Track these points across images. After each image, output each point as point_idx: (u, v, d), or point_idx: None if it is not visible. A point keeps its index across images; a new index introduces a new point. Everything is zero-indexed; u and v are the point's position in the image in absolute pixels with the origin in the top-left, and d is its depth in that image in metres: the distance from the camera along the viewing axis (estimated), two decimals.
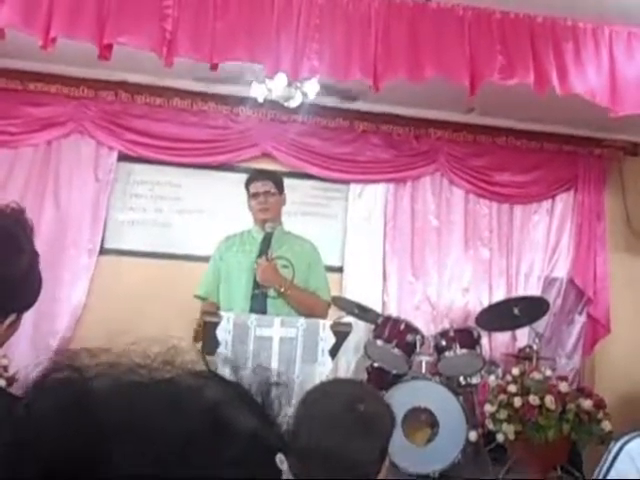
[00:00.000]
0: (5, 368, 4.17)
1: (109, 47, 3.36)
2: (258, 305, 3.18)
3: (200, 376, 0.59)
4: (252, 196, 3.42)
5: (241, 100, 5.22)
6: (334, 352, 2.91)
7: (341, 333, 2.93)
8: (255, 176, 3.51)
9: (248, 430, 0.54)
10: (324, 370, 2.83)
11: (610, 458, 1.33)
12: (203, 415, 0.54)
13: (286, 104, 4.79)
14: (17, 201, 1.29)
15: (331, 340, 2.86)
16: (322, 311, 3.31)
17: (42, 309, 4.79)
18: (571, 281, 5.75)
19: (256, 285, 3.21)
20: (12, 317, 1.24)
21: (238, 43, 3.40)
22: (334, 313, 4.78)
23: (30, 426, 0.51)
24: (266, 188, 3.39)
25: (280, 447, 0.56)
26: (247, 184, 3.48)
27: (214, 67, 3.45)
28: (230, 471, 0.52)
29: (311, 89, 4.58)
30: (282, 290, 3.19)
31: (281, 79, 4.34)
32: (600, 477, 1.30)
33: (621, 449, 1.29)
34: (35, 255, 1.27)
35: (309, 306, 3.25)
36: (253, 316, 2.91)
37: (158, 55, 3.37)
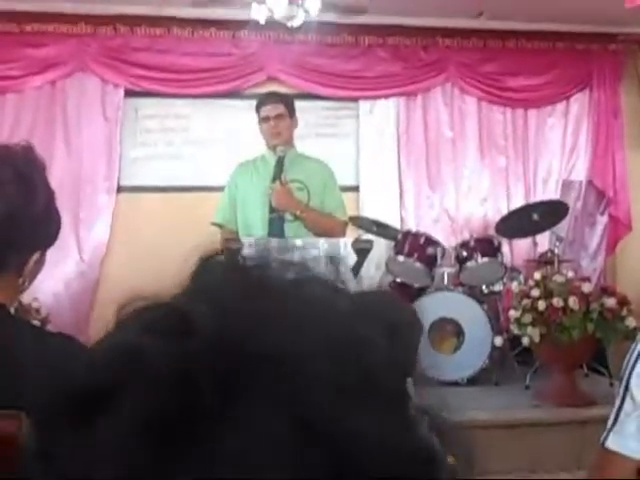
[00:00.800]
0: (37, 310, 4.27)
1: None
2: (276, 229, 3.20)
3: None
4: (263, 120, 3.39)
5: (242, 24, 5.09)
6: (357, 270, 2.95)
7: (362, 250, 2.96)
8: (265, 99, 3.46)
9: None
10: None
11: (635, 354, 1.34)
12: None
13: (288, 24, 4.67)
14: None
15: (353, 258, 2.89)
16: (340, 231, 3.33)
17: (66, 249, 4.87)
18: (590, 182, 5.69)
19: (272, 209, 3.22)
20: (37, 255, 1.26)
21: None
22: (353, 232, 4.81)
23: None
24: (277, 111, 3.35)
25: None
26: (257, 108, 3.44)
27: None
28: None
29: (313, 5, 4.45)
30: (298, 213, 3.20)
31: None
32: (629, 367, 1.33)
33: None
34: (50, 191, 1.28)
35: (326, 227, 3.27)
36: (274, 240, 2.94)
37: None
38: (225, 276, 0.46)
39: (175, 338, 0.39)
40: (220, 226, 3.45)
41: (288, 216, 3.22)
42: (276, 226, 3.22)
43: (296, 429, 0.37)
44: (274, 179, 3.26)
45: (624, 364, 1.35)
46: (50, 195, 1.27)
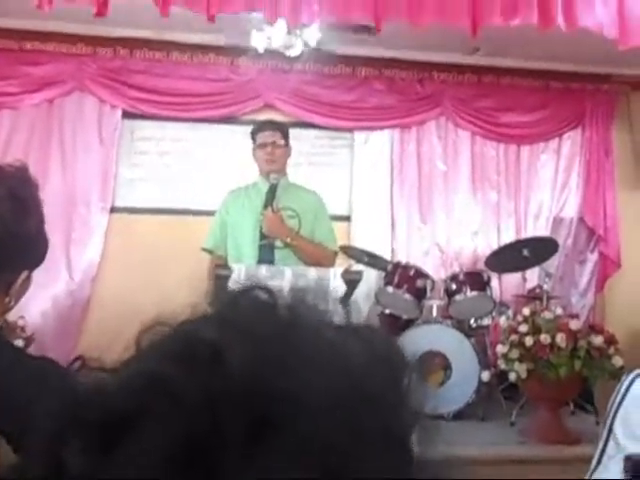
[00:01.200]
0: (22, 329, 4.24)
1: (105, 3, 3.29)
2: (266, 256, 3.20)
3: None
4: (259, 146, 3.40)
5: (241, 51, 5.14)
6: (345, 300, 2.94)
7: (352, 281, 2.96)
8: (262, 126, 3.49)
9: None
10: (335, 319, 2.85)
11: (622, 391, 1.35)
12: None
13: (287, 53, 4.72)
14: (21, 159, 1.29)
15: (342, 288, 2.88)
16: (329, 260, 3.34)
17: (56, 269, 4.85)
18: (581, 220, 5.74)
19: (263, 236, 3.23)
20: (24, 274, 1.26)
21: None
22: (344, 262, 4.81)
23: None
24: (274, 139, 3.37)
25: None
26: (254, 134, 3.46)
27: (211, 19, 3.39)
28: None
29: (311, 36, 4.51)
30: (288, 241, 3.21)
31: (281, 27, 4.27)
32: (613, 409, 1.32)
33: (633, 382, 1.31)
34: (41, 212, 1.28)
35: (316, 256, 3.27)
36: (264, 267, 2.94)
37: (154, 3, 3.29)
38: (256, 313, 0.46)
39: (203, 369, 0.39)
40: (210, 252, 3.45)
41: (278, 243, 3.23)
42: (266, 253, 3.22)
43: (319, 475, 0.37)
44: (266, 206, 3.27)
45: (608, 406, 1.35)
46: (41, 216, 1.27)
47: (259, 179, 3.48)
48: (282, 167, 3.41)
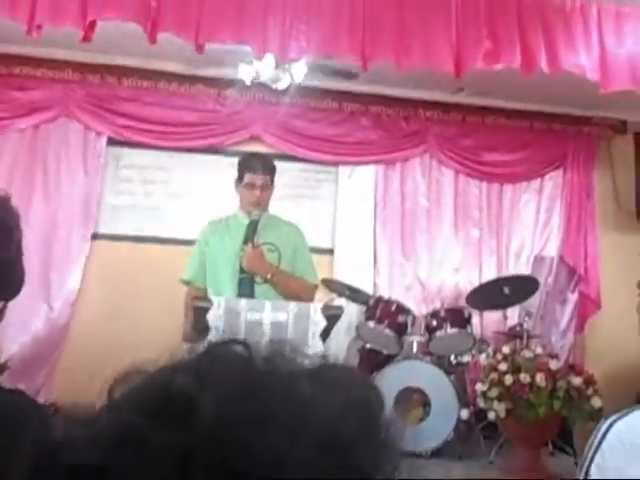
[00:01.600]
0: None
1: (92, 26, 3.30)
2: (246, 289, 3.17)
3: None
4: (246, 185, 3.33)
5: (229, 82, 5.18)
6: (325, 335, 2.92)
7: (332, 316, 2.94)
8: (253, 166, 3.36)
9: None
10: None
11: (599, 437, 1.33)
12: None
13: (274, 86, 4.76)
14: (4, 187, 1.28)
15: (322, 323, 2.87)
16: (309, 294, 3.30)
17: (34, 294, 4.79)
18: (562, 259, 5.78)
19: (243, 270, 3.20)
20: (0, 305, 1.24)
21: (224, 24, 3.35)
22: (325, 295, 4.80)
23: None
24: (264, 181, 3.32)
25: None
26: (242, 169, 3.38)
27: (200, 49, 3.41)
28: None
29: (299, 71, 4.55)
30: (268, 277, 3.18)
31: (269, 61, 4.31)
32: (589, 455, 1.31)
33: (609, 429, 1.30)
34: (20, 243, 1.26)
35: (296, 290, 3.24)
36: (244, 301, 2.91)
37: (142, 28, 3.30)
38: (232, 366, 0.46)
39: (176, 423, 0.39)
40: (187, 283, 3.39)
41: (258, 278, 3.20)
42: (246, 287, 3.18)
43: None
44: (246, 241, 3.23)
45: (585, 451, 1.34)
46: (20, 248, 1.26)
47: (239, 212, 3.44)
48: (266, 205, 3.38)
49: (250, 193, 3.31)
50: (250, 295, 3.12)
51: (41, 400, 4.21)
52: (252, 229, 3.26)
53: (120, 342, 4.94)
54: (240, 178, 3.37)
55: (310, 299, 3.23)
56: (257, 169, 3.34)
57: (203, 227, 3.54)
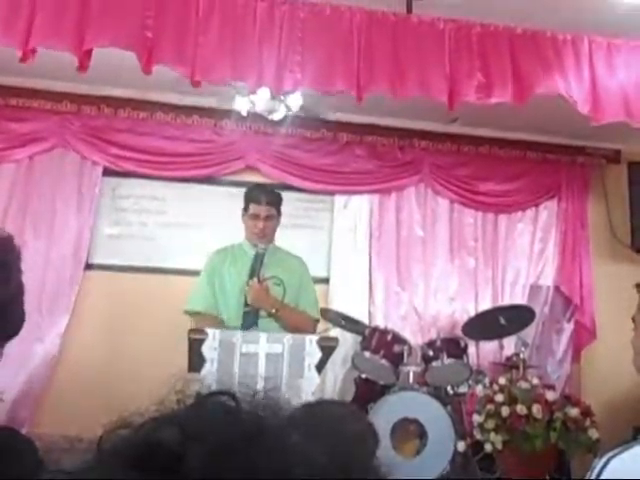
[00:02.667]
0: None
1: (88, 55, 3.31)
2: (250, 322, 3.17)
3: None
4: (251, 216, 3.33)
5: (225, 113, 5.22)
6: (320, 367, 2.91)
7: (327, 348, 2.93)
8: (259, 197, 3.36)
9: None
10: (311, 385, 2.82)
11: (594, 474, 1.32)
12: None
13: (270, 117, 4.80)
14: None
15: (317, 355, 2.85)
16: (310, 328, 3.31)
17: (26, 326, 4.76)
18: (557, 289, 5.78)
19: (247, 303, 3.20)
20: None
21: (220, 62, 3.37)
22: (321, 325, 4.79)
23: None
24: (269, 213, 3.32)
25: None
26: (247, 200, 3.37)
27: (196, 84, 3.44)
28: None
29: (294, 102, 4.59)
30: (273, 312, 3.19)
31: (264, 92, 4.35)
32: None
33: (605, 466, 1.29)
34: (21, 284, 1.26)
35: (298, 324, 3.25)
36: (239, 333, 2.90)
37: (138, 59, 3.31)
38: (220, 420, 0.45)
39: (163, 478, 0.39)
40: (196, 314, 3.29)
41: (262, 312, 3.20)
42: (250, 319, 3.18)
43: None
44: (252, 275, 3.23)
45: None
46: (20, 288, 1.25)
47: (245, 242, 3.43)
48: (271, 237, 3.38)
49: (254, 224, 3.31)
50: (254, 327, 3.12)
51: (25, 432, 4.17)
52: (258, 263, 3.25)
53: (114, 373, 4.91)
54: (245, 208, 3.37)
55: (311, 333, 3.22)
56: (261, 200, 3.34)
57: (210, 256, 3.50)
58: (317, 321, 3.42)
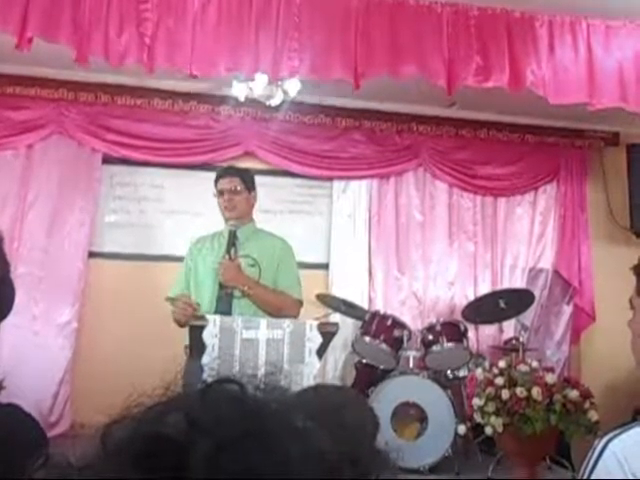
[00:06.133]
0: None
1: (86, 44, 3.31)
2: (223, 306, 3.09)
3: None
4: (218, 193, 3.32)
5: (222, 99, 5.20)
6: (321, 352, 2.91)
7: (328, 333, 2.93)
8: (222, 173, 3.38)
9: None
10: (312, 370, 2.83)
11: (595, 456, 1.33)
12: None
13: (267, 103, 4.78)
14: None
15: (318, 340, 2.86)
16: (293, 310, 3.20)
17: (28, 313, 4.78)
18: (556, 272, 5.79)
19: (221, 286, 3.15)
20: None
21: (218, 57, 3.36)
22: (320, 310, 4.80)
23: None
24: (231, 185, 3.27)
25: None
26: (215, 181, 3.38)
27: (194, 76, 3.43)
28: None
29: (292, 87, 4.57)
30: (246, 289, 3.10)
31: (262, 78, 4.33)
32: (585, 475, 1.31)
33: (605, 447, 1.30)
34: (7, 265, 1.26)
35: (276, 305, 3.15)
36: (239, 318, 2.89)
37: (139, 62, 3.33)
38: (224, 409, 0.45)
39: (168, 473, 0.40)
40: (173, 300, 3.22)
41: (237, 293, 3.14)
42: (224, 303, 3.11)
43: None
44: (224, 253, 3.20)
45: (581, 471, 1.34)
46: (6, 269, 1.25)
47: (224, 227, 3.41)
48: (244, 214, 3.31)
49: (222, 199, 3.29)
50: (228, 312, 3.06)
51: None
52: (231, 241, 3.20)
53: (118, 360, 4.93)
54: (216, 190, 3.36)
55: (295, 315, 3.16)
56: (225, 175, 3.34)
57: (191, 243, 3.51)
58: (300, 303, 3.30)
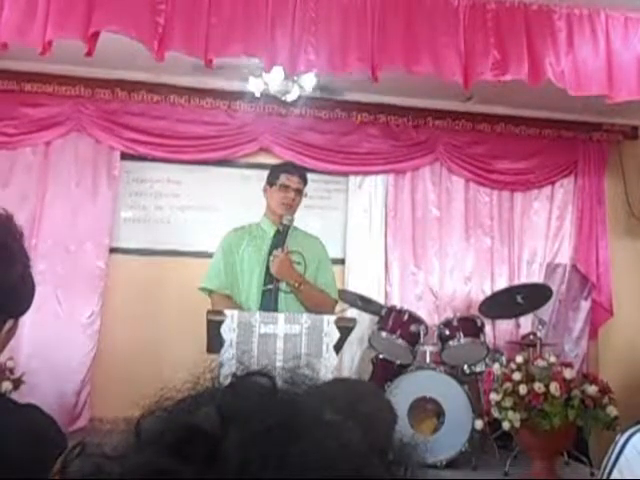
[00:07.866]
0: (11, 370, 4.19)
1: (95, 38, 3.32)
2: (269, 301, 3.11)
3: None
4: (280, 187, 3.27)
5: (238, 95, 5.21)
6: (338, 347, 2.92)
7: (345, 328, 2.94)
8: (290, 169, 3.36)
9: None
10: (329, 365, 2.83)
11: (617, 451, 1.33)
12: None
13: (283, 98, 4.78)
14: (18, 203, 1.29)
15: (335, 335, 2.86)
16: (330, 308, 3.26)
17: (49, 309, 4.81)
18: (574, 267, 5.75)
19: (268, 280, 3.15)
20: (9, 323, 1.24)
21: (233, 38, 3.37)
22: (338, 306, 4.80)
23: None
24: (300, 185, 3.29)
25: None
26: (276, 172, 3.34)
27: (209, 64, 3.43)
28: None
29: (308, 82, 4.57)
30: (296, 285, 3.13)
31: (278, 73, 4.33)
32: (607, 470, 1.31)
33: (627, 442, 1.30)
34: (27, 260, 1.27)
35: (318, 303, 3.20)
36: (257, 313, 2.90)
37: (148, 49, 3.33)
38: (255, 401, 0.46)
39: (201, 464, 0.40)
40: (210, 292, 3.25)
41: (284, 287, 3.15)
42: (269, 299, 3.12)
43: None
44: (276, 247, 3.17)
45: (603, 465, 1.34)
46: (26, 264, 1.26)
47: (263, 220, 3.37)
48: (294, 213, 3.35)
49: (284, 195, 3.26)
50: (273, 307, 3.07)
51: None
52: (283, 235, 3.20)
53: (137, 355, 4.96)
54: (272, 182, 3.32)
55: (330, 313, 3.17)
56: (295, 172, 3.33)
57: (227, 234, 3.43)
58: (336, 302, 3.38)
